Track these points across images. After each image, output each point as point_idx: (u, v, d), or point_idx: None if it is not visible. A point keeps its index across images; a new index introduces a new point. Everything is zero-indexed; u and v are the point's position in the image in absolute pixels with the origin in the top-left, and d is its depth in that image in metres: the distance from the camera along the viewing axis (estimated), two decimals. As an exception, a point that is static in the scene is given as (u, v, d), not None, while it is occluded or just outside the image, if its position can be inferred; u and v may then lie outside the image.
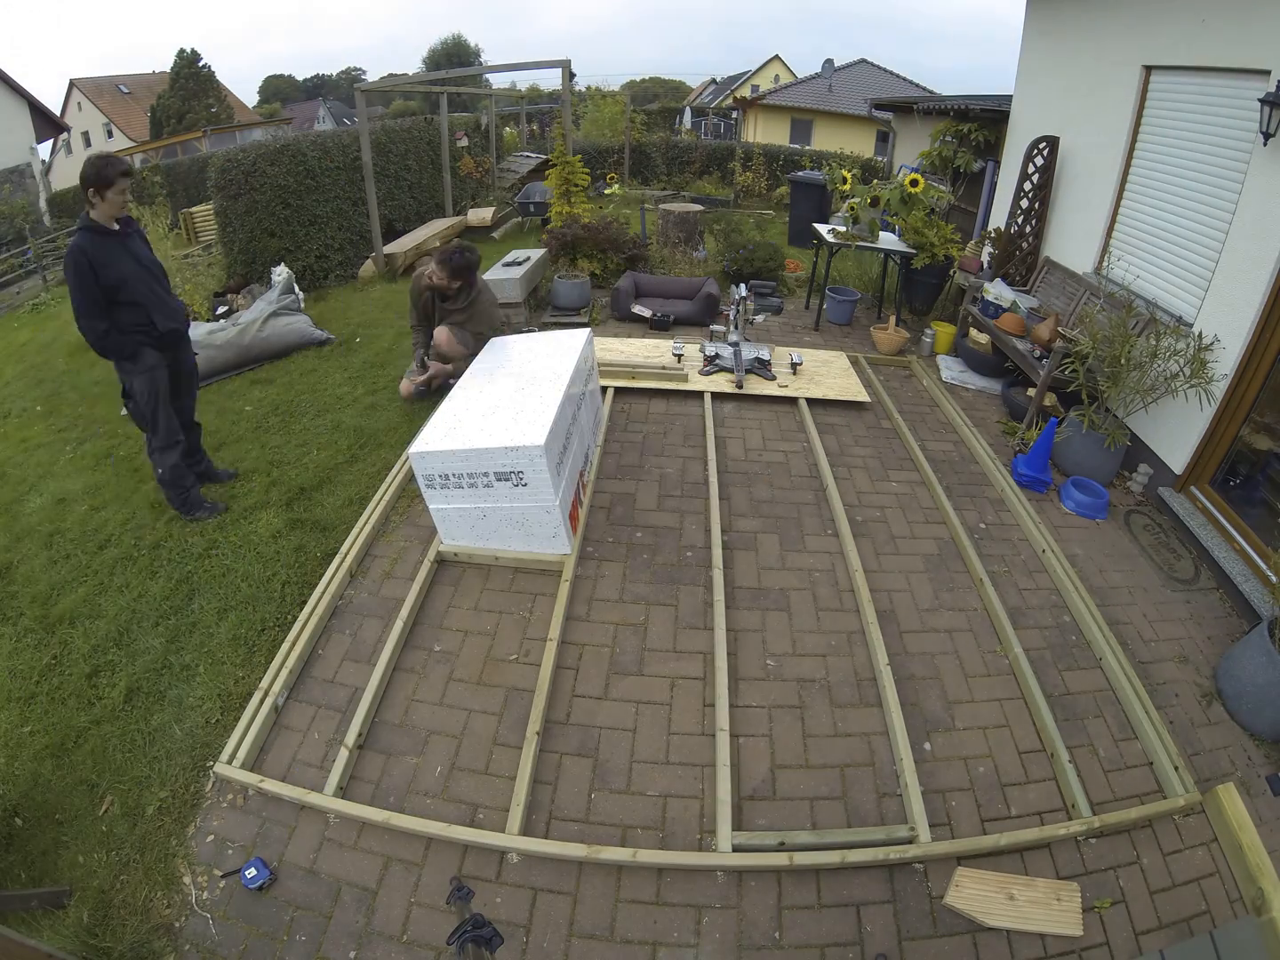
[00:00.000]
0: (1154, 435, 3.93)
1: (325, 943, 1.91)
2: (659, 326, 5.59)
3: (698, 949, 1.90)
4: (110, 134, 27.61)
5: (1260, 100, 3.15)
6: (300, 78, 56.35)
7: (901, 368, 5.31)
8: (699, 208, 8.01)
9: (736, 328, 4.96)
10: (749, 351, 4.83)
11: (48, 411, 5.41)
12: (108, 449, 4.59)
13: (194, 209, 11.87)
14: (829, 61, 23.57)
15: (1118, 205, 4.53)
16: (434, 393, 4.45)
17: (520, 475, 2.86)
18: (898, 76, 23.68)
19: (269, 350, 5.66)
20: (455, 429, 3.00)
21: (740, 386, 4.58)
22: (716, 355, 4.86)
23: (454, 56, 46.19)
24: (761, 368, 4.80)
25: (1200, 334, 3.49)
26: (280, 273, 6.77)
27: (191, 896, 2.02)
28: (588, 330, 3.88)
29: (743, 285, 5.20)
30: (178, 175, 14.52)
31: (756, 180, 13.39)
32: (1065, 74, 5.13)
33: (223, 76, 29.69)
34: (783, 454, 3.99)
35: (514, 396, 3.18)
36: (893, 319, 5.61)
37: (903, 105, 11.02)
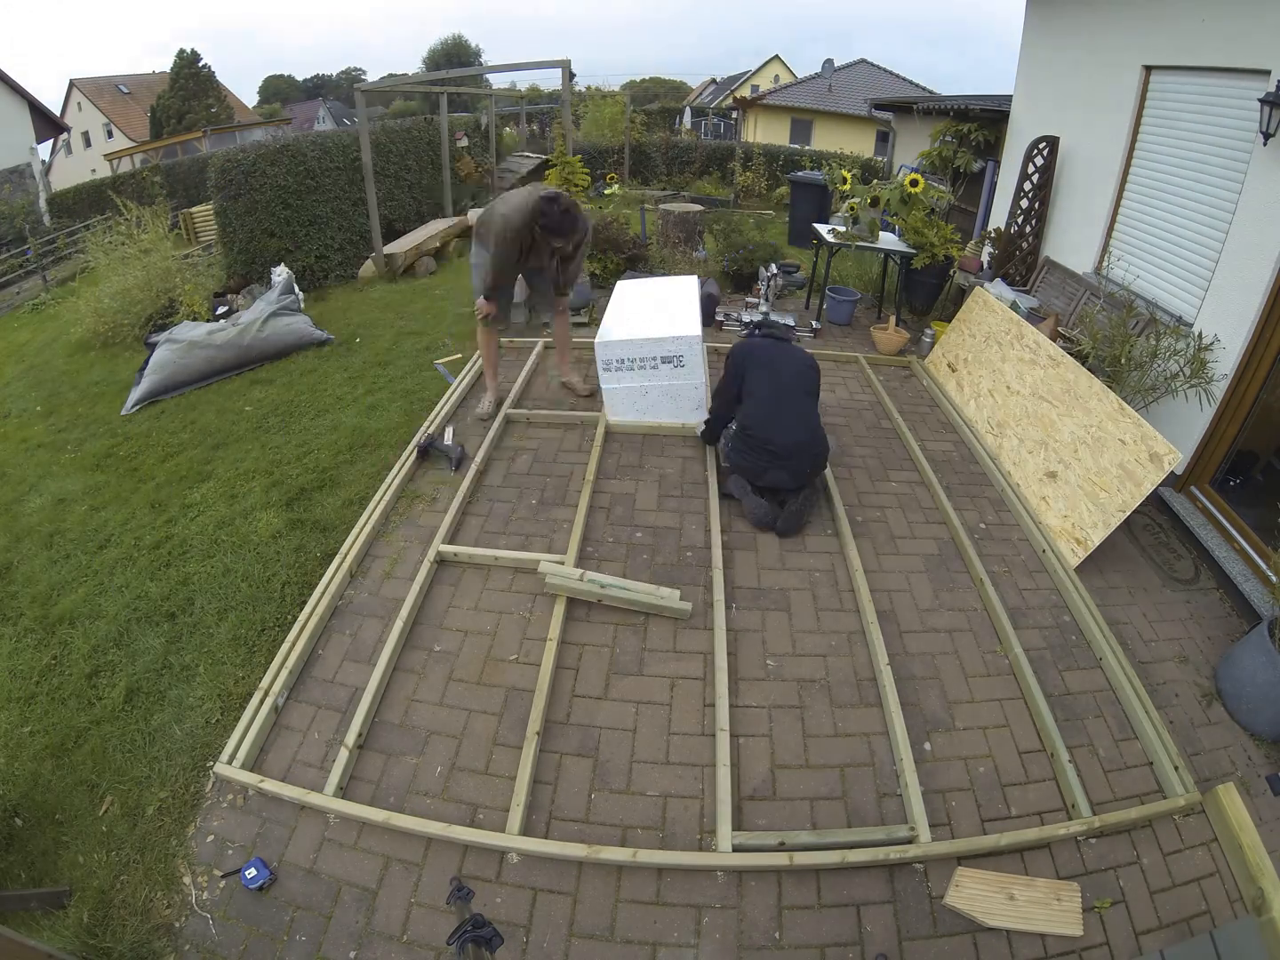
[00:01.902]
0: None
1: (325, 943, 1.91)
2: (659, 326, 5.61)
3: (698, 949, 1.90)
4: (110, 134, 27.61)
5: (1260, 100, 3.15)
6: (300, 78, 56.40)
7: (901, 367, 5.31)
8: (699, 208, 8.00)
9: (767, 300, 5.85)
10: (777, 319, 5.62)
11: (48, 411, 5.41)
12: (108, 448, 4.60)
13: (194, 209, 11.88)
14: (829, 61, 23.57)
15: (1118, 205, 4.53)
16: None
17: (680, 359, 3.83)
18: (898, 76, 23.68)
19: (269, 350, 5.66)
20: (623, 327, 3.91)
21: None
22: (751, 321, 5.60)
23: (454, 57, 46.18)
24: (788, 332, 5.47)
25: (1200, 334, 3.49)
26: (280, 273, 6.78)
27: (191, 897, 2.02)
28: (695, 277, 4.80)
29: (772, 265, 6.10)
30: (178, 175, 14.53)
31: (756, 180, 13.37)
32: (1065, 74, 5.13)
33: (222, 76, 29.73)
34: (783, 454, 3.99)
35: (659, 309, 4.16)
36: (893, 319, 5.60)
37: (902, 105, 11.03)
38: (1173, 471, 3.76)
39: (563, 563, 3.06)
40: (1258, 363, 3.34)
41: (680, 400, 3.99)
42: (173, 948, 1.92)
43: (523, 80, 30.61)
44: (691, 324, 3.88)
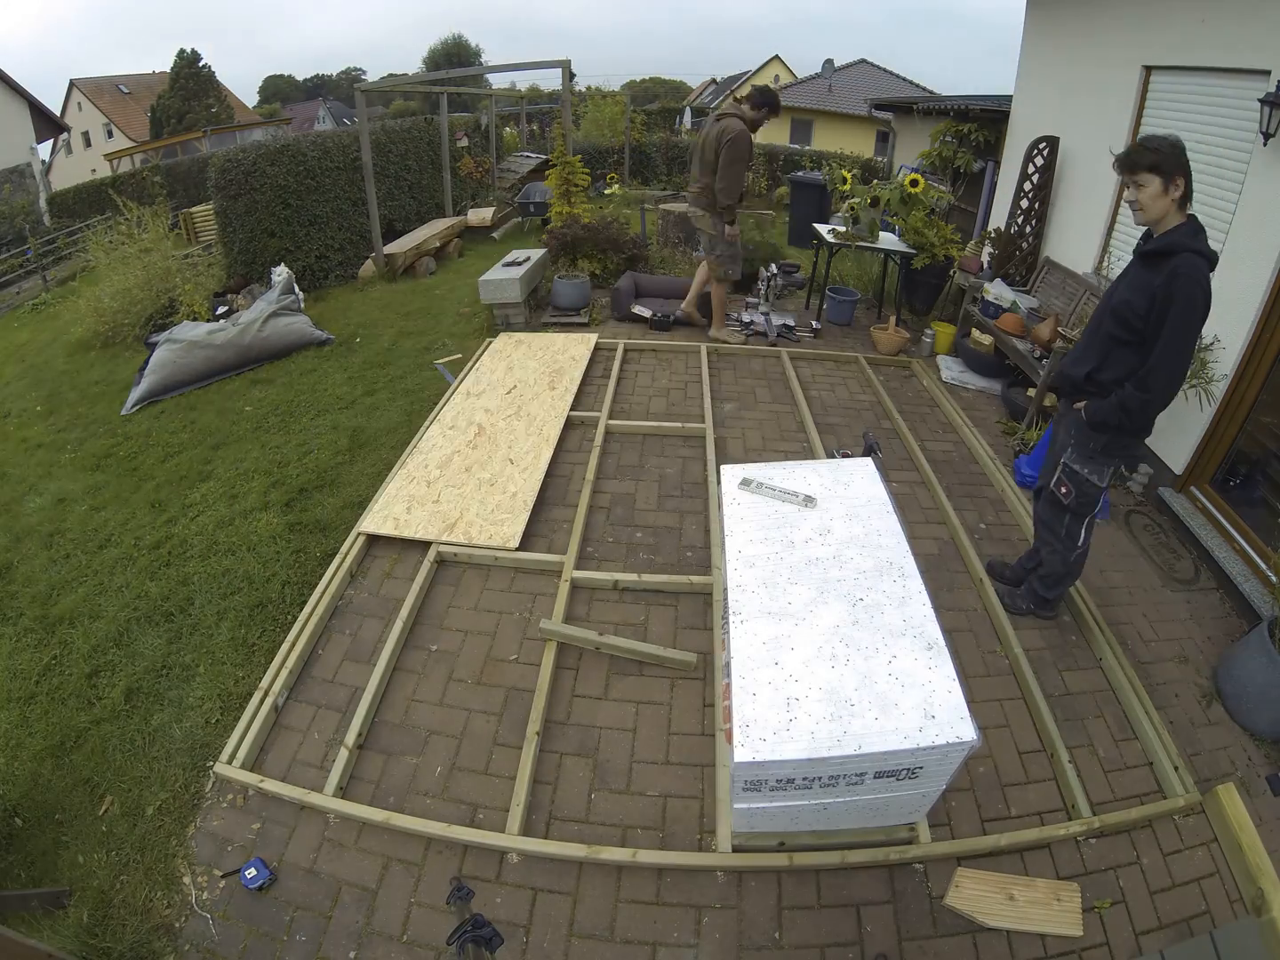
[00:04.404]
0: (1154, 435, 3.91)
1: (325, 943, 1.91)
2: (659, 327, 5.59)
3: (698, 949, 1.90)
4: (110, 134, 27.60)
5: (1260, 100, 3.15)
6: (300, 78, 56.36)
7: (901, 367, 5.31)
8: (699, 208, 7.99)
9: (767, 300, 5.88)
10: (777, 319, 5.76)
11: (48, 411, 5.41)
12: (108, 448, 4.59)
13: (194, 209, 11.87)
14: (829, 61, 23.57)
15: (1118, 205, 4.53)
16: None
17: (918, 770, 1.81)
18: (897, 76, 23.67)
19: (269, 350, 5.67)
20: (793, 706, 1.76)
21: (774, 344, 5.45)
22: (751, 322, 5.71)
23: (454, 57, 46.16)
24: (789, 332, 5.64)
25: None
26: (280, 273, 6.78)
27: (191, 896, 2.02)
28: (869, 460, 2.63)
29: (773, 265, 6.09)
30: (178, 175, 14.53)
31: (756, 180, 13.37)
32: (1065, 74, 5.13)
33: (222, 76, 29.71)
34: (783, 454, 3.99)
35: (854, 630, 1.97)
36: (893, 319, 5.60)
37: (902, 105, 11.02)
38: (1173, 471, 3.77)
39: (562, 563, 3.07)
40: (1258, 363, 3.34)
41: (889, 811, 2.03)
42: (173, 948, 1.92)
43: (523, 80, 30.65)
44: (954, 698, 1.81)
